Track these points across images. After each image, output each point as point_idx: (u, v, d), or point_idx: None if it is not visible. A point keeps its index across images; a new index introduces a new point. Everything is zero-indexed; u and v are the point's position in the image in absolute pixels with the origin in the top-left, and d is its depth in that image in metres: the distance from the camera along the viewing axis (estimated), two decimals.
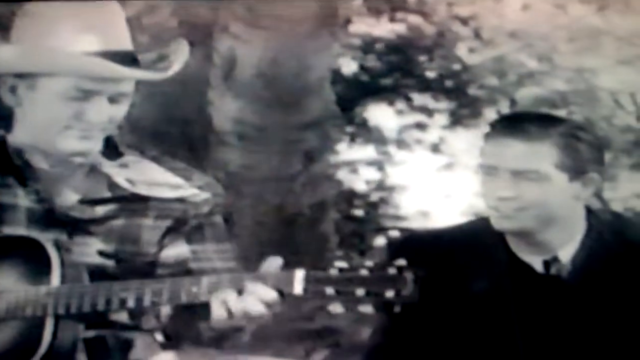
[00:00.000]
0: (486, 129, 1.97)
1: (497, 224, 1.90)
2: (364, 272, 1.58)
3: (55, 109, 1.63)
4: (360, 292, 1.57)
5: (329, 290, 1.58)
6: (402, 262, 1.59)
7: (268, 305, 1.59)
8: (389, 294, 1.57)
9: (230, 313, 1.60)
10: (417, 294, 1.58)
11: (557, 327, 1.89)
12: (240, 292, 1.59)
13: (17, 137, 1.68)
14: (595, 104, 3.42)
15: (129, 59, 1.65)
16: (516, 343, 1.89)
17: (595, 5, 3.41)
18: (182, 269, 1.70)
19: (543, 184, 1.89)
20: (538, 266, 1.92)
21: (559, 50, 3.64)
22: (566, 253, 1.92)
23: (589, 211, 1.95)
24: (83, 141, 1.64)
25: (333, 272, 1.59)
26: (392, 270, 1.58)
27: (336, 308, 1.60)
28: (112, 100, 1.65)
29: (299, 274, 1.59)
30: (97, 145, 1.66)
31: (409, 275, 1.57)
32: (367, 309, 1.58)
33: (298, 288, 1.58)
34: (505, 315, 1.89)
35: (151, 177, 1.70)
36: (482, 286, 1.90)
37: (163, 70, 1.68)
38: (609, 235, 1.94)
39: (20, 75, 1.66)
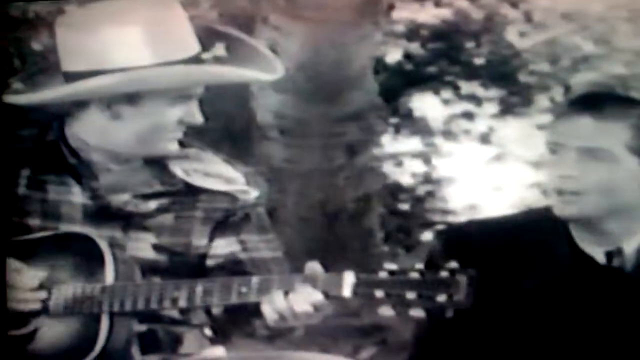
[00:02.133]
0: (545, 115, 1.94)
1: (561, 210, 1.87)
2: (414, 274, 1.64)
3: (156, 119, 1.77)
4: (411, 295, 1.63)
5: (379, 294, 1.64)
6: (454, 264, 1.63)
7: (316, 307, 1.69)
8: (441, 298, 1.63)
9: (280, 314, 1.71)
10: (471, 298, 1.63)
11: (618, 322, 1.90)
12: (288, 293, 1.69)
13: (77, 137, 1.82)
14: None
15: (194, 62, 1.78)
16: (576, 339, 1.91)
17: None
18: (232, 260, 1.83)
19: (611, 166, 1.87)
20: (600, 257, 1.93)
21: (617, 32, 3.65)
22: (631, 245, 1.92)
23: None
24: (170, 143, 1.79)
25: (383, 274, 1.66)
26: (444, 274, 1.63)
27: (386, 311, 1.66)
28: (199, 100, 1.80)
29: (349, 277, 1.68)
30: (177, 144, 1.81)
31: (462, 279, 1.62)
32: (418, 312, 1.64)
33: (347, 291, 1.67)
34: (565, 311, 1.90)
35: (208, 168, 1.84)
36: (541, 281, 1.90)
37: (272, 71, 1.79)
38: None
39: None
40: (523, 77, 4.00)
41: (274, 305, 1.69)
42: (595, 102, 1.92)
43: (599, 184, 1.87)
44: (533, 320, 1.89)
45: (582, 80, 3.83)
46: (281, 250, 1.87)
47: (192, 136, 1.91)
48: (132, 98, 1.77)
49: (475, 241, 1.91)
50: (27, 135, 1.86)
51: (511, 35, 4.00)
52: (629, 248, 1.91)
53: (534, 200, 3.55)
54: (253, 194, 1.84)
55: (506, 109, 4.05)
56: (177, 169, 1.83)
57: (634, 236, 1.91)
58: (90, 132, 1.81)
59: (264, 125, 3.30)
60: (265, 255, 1.84)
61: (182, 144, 1.85)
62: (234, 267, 1.81)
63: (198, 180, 1.82)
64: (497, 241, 1.91)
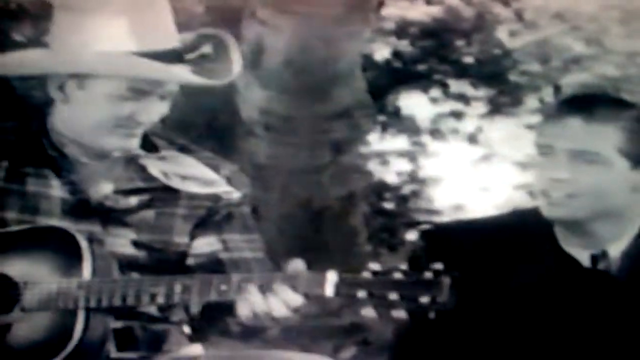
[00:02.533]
0: (534, 116, 1.90)
1: (548, 211, 1.84)
2: (398, 275, 1.60)
3: (105, 110, 1.76)
4: (393, 296, 1.59)
5: (361, 294, 1.60)
6: (438, 265, 1.60)
7: (293, 309, 1.65)
8: (424, 299, 1.59)
9: (254, 314, 1.67)
10: (454, 300, 1.59)
11: (603, 325, 1.87)
12: (266, 293, 1.66)
13: (56, 130, 1.81)
14: None
15: (175, 58, 1.76)
16: (561, 342, 1.87)
17: None
18: (213, 259, 1.82)
19: (601, 169, 1.84)
20: (585, 260, 1.89)
21: (609, 33, 3.64)
22: (617, 248, 1.89)
23: None
24: (127, 139, 1.77)
25: (366, 274, 1.61)
26: (428, 275, 1.59)
27: (368, 312, 1.62)
28: (162, 98, 1.79)
29: (331, 277, 1.62)
30: (138, 141, 1.79)
31: (445, 281, 1.58)
32: (400, 314, 1.60)
33: (329, 290, 1.62)
34: (550, 314, 1.87)
35: (186, 171, 1.82)
36: (525, 282, 1.87)
37: (219, 76, 1.79)
38: None
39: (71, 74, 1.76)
40: (513, 77, 3.99)
41: (250, 305, 1.68)
42: (586, 103, 1.90)
43: (589, 187, 1.85)
44: (517, 322, 1.87)
45: (573, 81, 3.82)
46: (263, 250, 1.85)
47: (174, 133, 1.89)
48: (81, 82, 1.76)
49: (459, 242, 1.90)
50: (10, 127, 1.84)
51: (502, 34, 3.99)
52: (615, 251, 1.90)
53: (521, 201, 3.54)
54: (235, 194, 1.82)
55: (495, 109, 4.05)
56: (155, 171, 1.81)
57: (621, 240, 1.90)
58: (60, 122, 1.79)
59: (248, 121, 3.29)
60: (247, 255, 1.82)
61: (153, 145, 1.83)
62: (214, 267, 1.79)
63: (177, 183, 1.81)
64: (481, 242, 1.90)
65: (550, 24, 3.85)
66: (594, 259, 1.90)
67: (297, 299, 1.66)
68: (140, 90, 1.75)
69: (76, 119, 1.78)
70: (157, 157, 1.82)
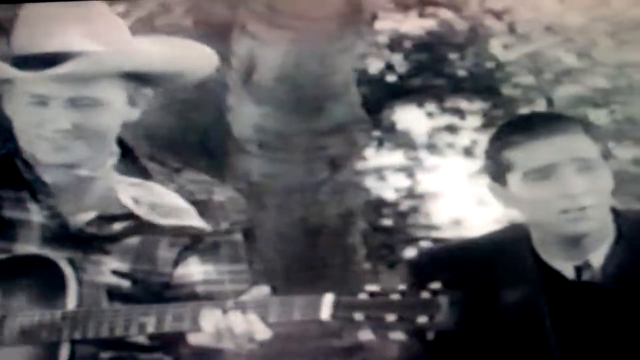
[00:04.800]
0: (497, 142, 1.92)
1: (571, 229, 1.82)
2: (395, 296, 1.59)
3: (24, 116, 1.64)
4: (391, 317, 1.58)
5: (358, 316, 1.59)
6: (436, 285, 1.59)
7: (255, 341, 1.62)
8: (422, 319, 1.58)
9: (218, 332, 1.62)
10: (453, 319, 1.58)
11: (595, 336, 1.87)
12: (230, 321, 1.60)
13: (22, 149, 1.70)
14: (637, 101, 3.39)
15: None
16: (553, 356, 1.86)
17: None
18: (189, 292, 1.72)
19: (599, 177, 1.86)
20: (569, 272, 1.89)
21: (599, 45, 3.61)
22: (598, 258, 1.89)
23: (616, 213, 1.91)
24: (60, 152, 1.65)
25: (363, 296, 1.60)
26: (425, 294, 1.58)
27: (366, 335, 1.61)
28: (75, 105, 1.65)
29: (328, 299, 1.60)
30: (82, 155, 1.67)
31: (443, 300, 1.57)
32: (398, 335, 1.59)
33: (326, 313, 1.60)
34: (540, 329, 1.86)
35: (157, 199, 1.71)
36: (515, 300, 1.87)
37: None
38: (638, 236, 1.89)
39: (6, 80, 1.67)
40: (507, 90, 3.96)
41: (216, 324, 1.57)
42: (536, 123, 1.89)
43: (603, 195, 1.84)
44: (512, 340, 1.85)
45: (565, 93, 3.79)
46: (249, 282, 1.75)
47: (166, 155, 1.78)
48: (8, 88, 1.65)
49: (454, 262, 1.89)
50: None
51: (495, 47, 3.95)
52: (596, 261, 1.89)
53: (518, 215, 3.49)
54: (207, 228, 1.72)
55: (490, 122, 4.00)
56: (124, 196, 1.69)
57: (600, 249, 1.88)
58: (21, 140, 1.68)
59: (241, 138, 3.21)
60: (227, 288, 1.73)
61: (139, 166, 1.71)
62: (190, 300, 1.68)
63: (144, 212, 1.69)
64: (471, 263, 1.88)
65: (542, 36, 3.82)
66: (578, 270, 1.88)
67: (263, 331, 1.57)
68: (40, 95, 1.62)
69: (24, 132, 1.67)
70: (130, 182, 1.70)
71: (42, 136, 1.61)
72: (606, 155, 1.90)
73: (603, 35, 3.54)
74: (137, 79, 1.66)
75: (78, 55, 1.59)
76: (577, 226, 1.83)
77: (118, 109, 1.68)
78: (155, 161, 1.74)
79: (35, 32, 1.65)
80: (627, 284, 1.85)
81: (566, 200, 1.83)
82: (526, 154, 1.86)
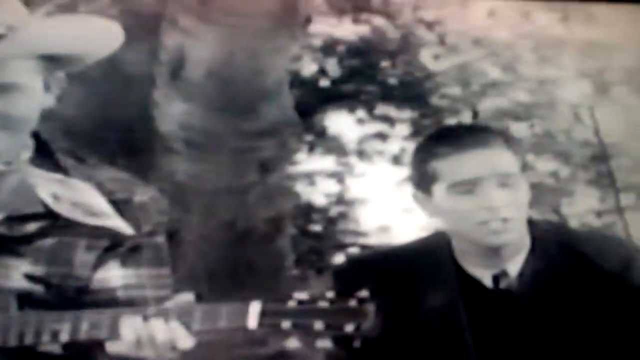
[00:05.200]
0: (420, 155, 1.95)
1: (490, 240, 1.87)
2: (323, 303, 1.55)
3: None
4: (318, 325, 1.55)
5: (286, 324, 1.55)
6: (364, 293, 1.56)
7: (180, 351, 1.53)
8: (349, 328, 1.55)
9: (138, 340, 1.54)
10: (379, 327, 1.56)
11: (510, 341, 1.89)
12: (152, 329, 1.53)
13: None
14: (556, 116, 3.44)
15: None
16: None
17: (559, 14, 3.44)
18: (109, 297, 1.60)
19: (518, 191, 1.89)
20: (487, 281, 1.92)
21: (523, 60, 3.65)
22: (514, 266, 1.92)
23: (531, 223, 1.95)
24: None
25: (291, 304, 1.56)
26: (352, 302, 1.55)
27: (293, 343, 1.58)
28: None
29: (255, 307, 1.55)
30: (26, 152, 1.54)
31: (370, 308, 1.55)
32: (325, 343, 1.56)
33: (253, 322, 1.55)
34: (459, 335, 1.89)
35: (78, 197, 1.59)
36: (436, 306, 1.89)
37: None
38: (554, 246, 1.93)
39: None
40: (435, 100, 3.97)
41: (136, 331, 1.47)
42: (459, 135, 1.93)
43: (522, 207, 1.88)
44: (432, 346, 1.89)
45: (489, 105, 3.82)
46: (171, 288, 1.65)
47: (84, 150, 1.65)
48: None
49: (379, 269, 1.92)
50: None
51: (425, 57, 3.96)
52: (513, 270, 1.93)
53: (441, 224, 3.51)
54: (128, 230, 1.60)
55: (418, 131, 4.02)
56: (44, 193, 1.56)
57: (517, 258, 1.92)
58: None
59: (167, 136, 3.13)
60: (148, 294, 1.62)
61: (54, 160, 1.58)
62: (110, 306, 1.57)
63: (65, 210, 1.57)
64: (392, 271, 1.92)
65: (470, 49, 3.84)
66: (495, 279, 1.92)
67: (186, 339, 1.47)
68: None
69: None
70: (49, 177, 1.56)
71: None
72: (525, 167, 1.95)
73: (527, 50, 3.59)
74: (49, 60, 1.53)
75: None
76: (497, 237, 1.88)
77: (36, 95, 1.55)
78: (72, 157, 1.61)
79: None
80: (541, 291, 1.89)
81: (487, 212, 1.87)
82: (452, 167, 1.90)
